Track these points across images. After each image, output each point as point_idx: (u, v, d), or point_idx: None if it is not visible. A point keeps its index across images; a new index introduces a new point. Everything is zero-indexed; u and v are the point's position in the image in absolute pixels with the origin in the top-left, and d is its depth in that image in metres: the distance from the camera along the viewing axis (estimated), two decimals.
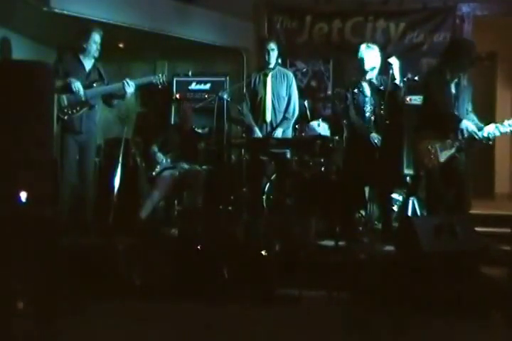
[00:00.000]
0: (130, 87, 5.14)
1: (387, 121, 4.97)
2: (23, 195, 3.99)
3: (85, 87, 5.08)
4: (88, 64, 5.20)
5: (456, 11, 6.74)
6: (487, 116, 5.53)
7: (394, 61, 4.94)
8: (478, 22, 6.73)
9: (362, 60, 5.13)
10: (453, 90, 4.73)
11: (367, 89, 5.14)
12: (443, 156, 4.63)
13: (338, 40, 7.06)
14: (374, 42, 5.64)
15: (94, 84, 5.17)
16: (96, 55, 5.18)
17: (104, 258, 4.08)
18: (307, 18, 7.10)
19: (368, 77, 5.14)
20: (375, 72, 5.15)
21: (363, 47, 5.19)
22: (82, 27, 5.25)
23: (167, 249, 4.39)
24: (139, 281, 3.87)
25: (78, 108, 5.06)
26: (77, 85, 5.00)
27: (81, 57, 5.17)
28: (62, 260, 3.98)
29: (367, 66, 5.12)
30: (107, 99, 5.30)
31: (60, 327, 3.11)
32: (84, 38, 5.13)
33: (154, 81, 5.30)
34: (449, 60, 4.77)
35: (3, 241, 3.57)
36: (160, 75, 5.32)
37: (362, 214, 5.29)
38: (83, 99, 5.06)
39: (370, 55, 5.13)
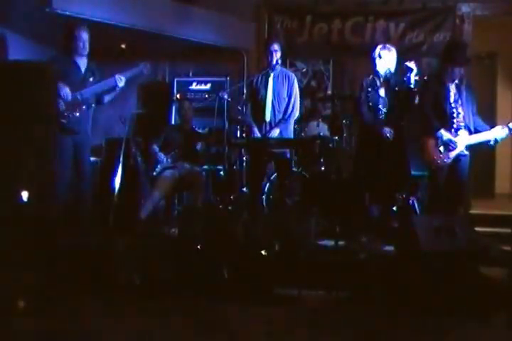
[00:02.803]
0: (121, 81, 5.19)
1: (402, 123, 5.02)
2: (24, 195, 4.01)
3: (82, 87, 5.09)
4: (83, 64, 5.18)
5: (456, 10, 6.74)
6: (487, 115, 5.54)
7: (413, 66, 4.95)
8: (478, 22, 6.73)
9: (375, 60, 5.14)
10: (454, 91, 4.75)
11: (381, 89, 5.13)
12: (452, 154, 4.70)
13: (338, 40, 7.07)
14: (374, 42, 5.63)
15: (89, 83, 5.17)
16: (88, 47, 5.14)
17: (104, 258, 4.08)
18: (307, 18, 7.11)
19: (383, 77, 5.14)
20: (390, 73, 5.14)
21: (379, 47, 5.17)
22: (67, 25, 5.23)
23: (167, 248, 4.39)
24: (139, 281, 3.87)
25: (77, 109, 5.05)
26: (65, 91, 4.97)
27: (75, 56, 5.14)
28: (61, 260, 3.99)
29: (383, 66, 5.11)
30: (99, 96, 5.29)
31: (59, 326, 3.12)
32: (74, 35, 5.10)
33: (143, 71, 5.35)
34: (443, 60, 4.83)
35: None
36: (144, 64, 5.34)
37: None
38: (80, 100, 5.06)
39: (388, 56, 5.13)
